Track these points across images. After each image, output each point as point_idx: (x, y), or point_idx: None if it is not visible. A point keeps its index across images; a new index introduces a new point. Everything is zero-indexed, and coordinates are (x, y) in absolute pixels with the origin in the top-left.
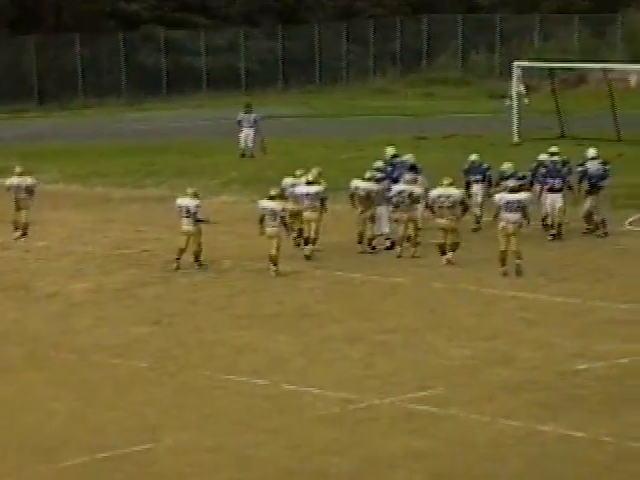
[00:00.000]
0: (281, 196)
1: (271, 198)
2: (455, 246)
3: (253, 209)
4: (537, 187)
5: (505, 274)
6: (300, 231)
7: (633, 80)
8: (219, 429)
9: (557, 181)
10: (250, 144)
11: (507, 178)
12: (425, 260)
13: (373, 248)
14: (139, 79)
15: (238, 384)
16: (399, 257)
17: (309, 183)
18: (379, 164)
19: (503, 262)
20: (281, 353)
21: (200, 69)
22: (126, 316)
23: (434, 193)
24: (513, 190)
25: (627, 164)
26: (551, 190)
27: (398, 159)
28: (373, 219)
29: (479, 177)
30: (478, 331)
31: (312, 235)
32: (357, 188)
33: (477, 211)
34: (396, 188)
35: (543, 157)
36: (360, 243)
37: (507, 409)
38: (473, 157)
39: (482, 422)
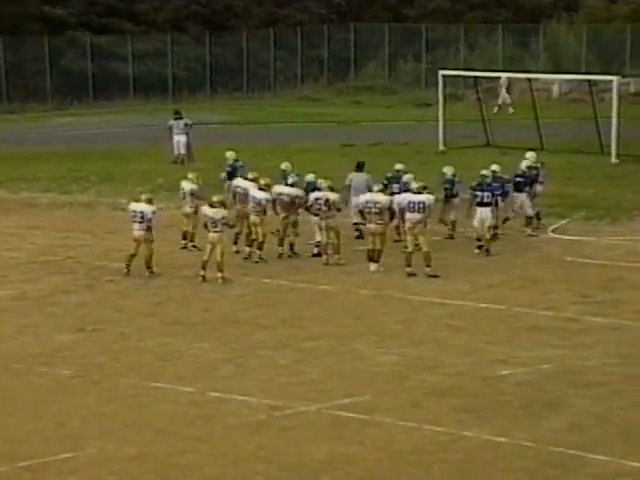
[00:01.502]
0: (222, 203)
1: (211, 205)
2: (380, 253)
3: (179, 216)
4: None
5: (411, 274)
6: (237, 235)
7: (555, 90)
8: (142, 437)
9: (486, 194)
10: (182, 150)
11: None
12: (352, 267)
13: (294, 253)
14: (65, 84)
15: (163, 392)
16: (326, 264)
17: (260, 189)
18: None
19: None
20: (208, 360)
21: (127, 75)
22: (50, 323)
23: (362, 199)
24: (418, 192)
25: (549, 172)
26: (480, 204)
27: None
28: (295, 224)
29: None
30: (405, 337)
31: (259, 239)
32: (280, 194)
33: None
34: (313, 195)
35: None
36: (281, 246)
37: (432, 415)
38: (398, 166)
39: (407, 428)
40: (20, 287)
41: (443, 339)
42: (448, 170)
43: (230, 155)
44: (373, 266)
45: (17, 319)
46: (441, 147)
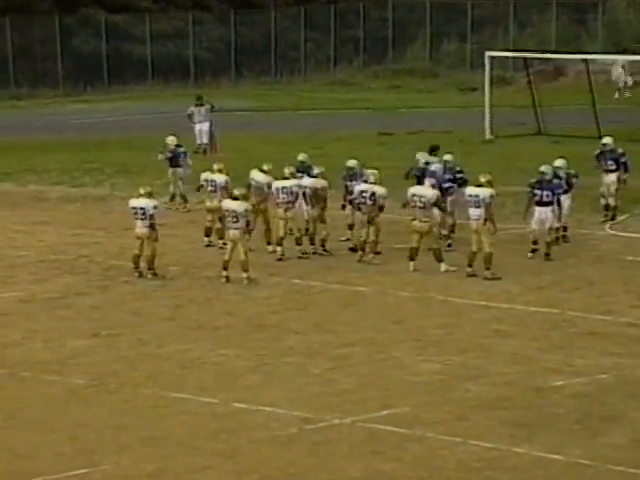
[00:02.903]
0: (245, 197)
1: (234, 198)
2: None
3: (202, 211)
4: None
5: (471, 275)
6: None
7: (615, 73)
8: (162, 452)
9: (546, 193)
10: (205, 139)
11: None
12: (390, 266)
13: (325, 250)
14: (77, 68)
15: (184, 402)
16: (360, 261)
17: (284, 178)
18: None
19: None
20: (232, 368)
21: (145, 57)
22: (61, 328)
23: (410, 191)
24: (478, 185)
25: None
26: (539, 203)
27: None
28: (323, 219)
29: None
30: (448, 344)
31: (280, 234)
32: (300, 187)
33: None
34: (358, 188)
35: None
36: (313, 244)
37: (478, 429)
38: (447, 156)
39: (451, 443)
40: (29, 288)
41: (490, 345)
42: (448, 157)
43: (171, 141)
44: (412, 264)
45: (25, 323)
46: (488, 135)
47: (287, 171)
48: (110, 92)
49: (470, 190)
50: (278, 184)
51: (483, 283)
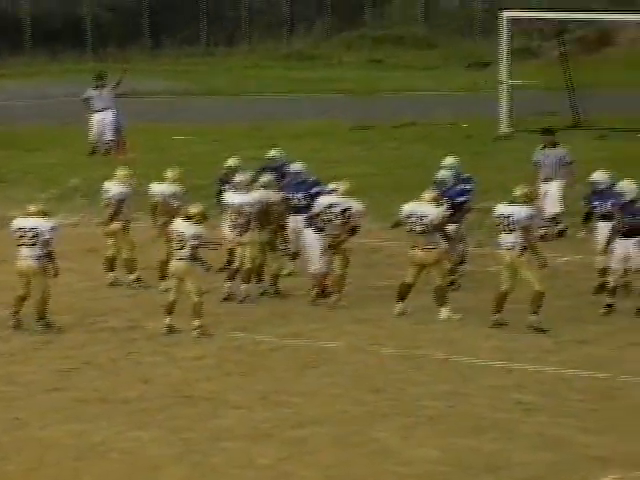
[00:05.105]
0: (203, 216)
1: (187, 218)
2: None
3: (101, 235)
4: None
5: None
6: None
7: None
8: None
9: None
10: (109, 134)
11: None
12: (367, 311)
13: (277, 291)
14: None
15: None
16: (313, 302)
17: (236, 191)
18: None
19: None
20: (147, 458)
21: (20, 19)
22: None
23: (406, 209)
24: (513, 202)
25: None
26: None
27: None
28: (274, 246)
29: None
30: (450, 421)
31: (247, 266)
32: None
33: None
34: (323, 201)
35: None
36: (260, 282)
37: None
38: (449, 160)
39: None
40: None
41: (510, 423)
42: (448, 161)
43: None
44: (399, 307)
45: None
46: (504, 129)
47: (240, 179)
48: None
49: (501, 209)
50: (229, 198)
51: (498, 335)
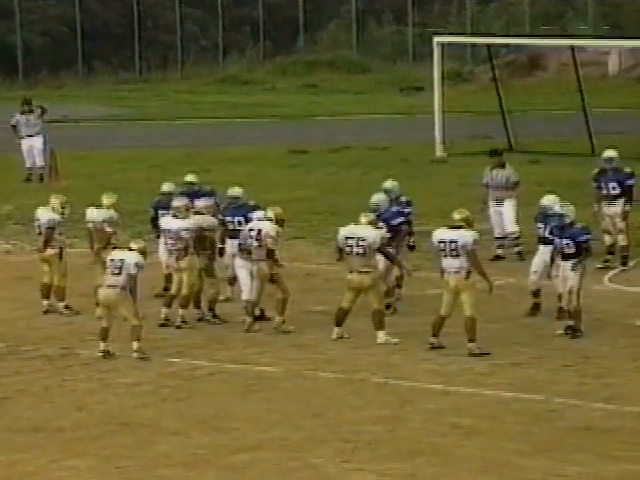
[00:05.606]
0: (143, 252)
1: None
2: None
3: (37, 262)
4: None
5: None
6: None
7: (612, 63)
8: None
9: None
10: (39, 161)
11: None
12: (304, 336)
13: (214, 316)
14: None
15: None
16: (247, 331)
17: (175, 216)
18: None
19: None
20: None
21: None
22: None
23: (341, 233)
24: (454, 226)
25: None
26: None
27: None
28: (211, 272)
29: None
30: (388, 446)
31: (184, 292)
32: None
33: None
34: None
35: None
36: (197, 308)
37: None
38: (387, 184)
39: None
40: None
41: (448, 447)
42: (387, 185)
43: None
44: (337, 331)
45: None
46: (439, 152)
47: (179, 204)
48: None
49: (443, 234)
50: (166, 224)
51: (436, 358)
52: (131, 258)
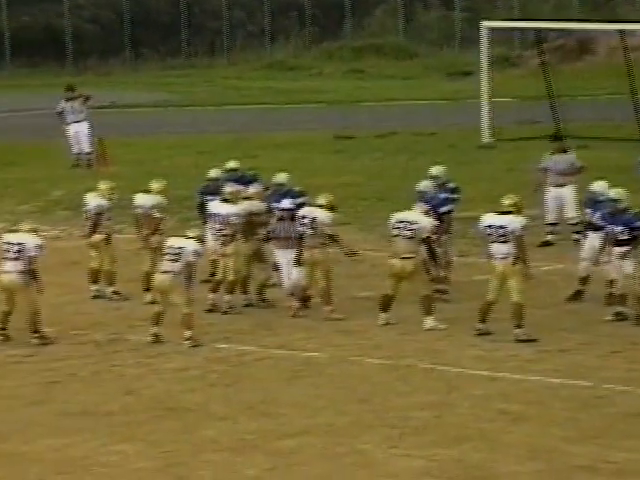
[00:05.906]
0: (200, 239)
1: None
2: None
3: (85, 247)
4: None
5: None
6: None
7: None
8: None
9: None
10: (86, 147)
11: None
12: (351, 322)
13: (263, 300)
14: None
15: None
16: (293, 316)
17: (224, 200)
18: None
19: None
20: (130, 471)
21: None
22: None
23: (394, 217)
24: (503, 212)
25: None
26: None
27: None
28: (261, 257)
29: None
30: (435, 431)
31: (230, 278)
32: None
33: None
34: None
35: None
36: (245, 293)
37: None
38: (434, 170)
39: None
40: None
41: (495, 433)
42: (435, 171)
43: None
44: (383, 317)
45: None
46: (486, 138)
47: (231, 189)
48: None
49: (491, 219)
50: (215, 209)
51: (482, 344)
52: (189, 246)
